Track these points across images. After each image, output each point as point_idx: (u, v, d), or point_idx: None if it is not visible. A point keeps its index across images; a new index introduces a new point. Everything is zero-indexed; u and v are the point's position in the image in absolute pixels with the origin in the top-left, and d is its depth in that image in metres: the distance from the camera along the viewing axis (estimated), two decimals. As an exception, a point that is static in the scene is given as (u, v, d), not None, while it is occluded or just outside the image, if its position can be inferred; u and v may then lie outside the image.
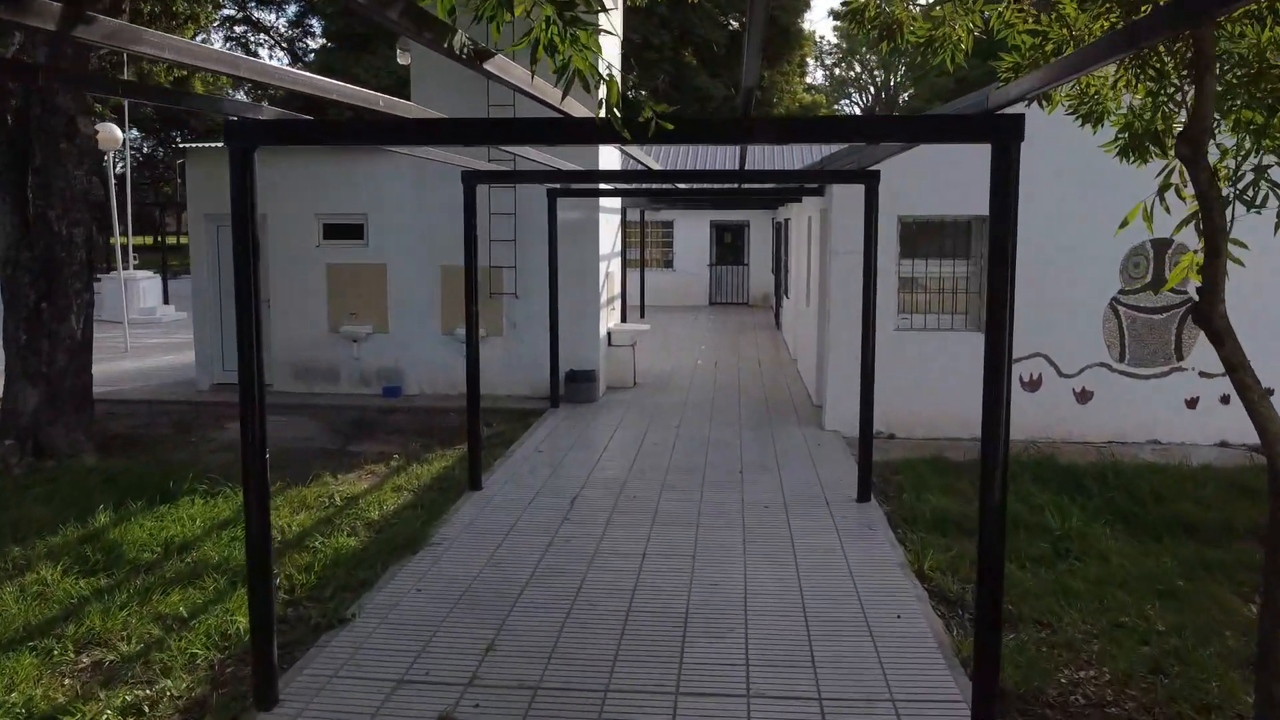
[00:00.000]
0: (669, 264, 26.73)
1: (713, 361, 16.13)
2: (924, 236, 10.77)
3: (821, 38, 75.07)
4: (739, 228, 26.78)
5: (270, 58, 48.28)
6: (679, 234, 26.51)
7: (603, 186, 12.22)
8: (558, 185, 11.75)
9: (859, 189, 10.29)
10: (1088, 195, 10.32)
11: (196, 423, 11.47)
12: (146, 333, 20.49)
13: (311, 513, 7.76)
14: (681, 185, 11.95)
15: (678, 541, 7.00)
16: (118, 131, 16.66)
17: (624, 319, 19.47)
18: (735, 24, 44.38)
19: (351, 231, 13.03)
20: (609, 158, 12.91)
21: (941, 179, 10.39)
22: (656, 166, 8.46)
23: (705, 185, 15.02)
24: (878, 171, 7.73)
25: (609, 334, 13.44)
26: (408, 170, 12.62)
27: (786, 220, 18.43)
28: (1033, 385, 10.68)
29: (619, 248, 15.03)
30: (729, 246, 27.01)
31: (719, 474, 8.91)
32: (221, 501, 7.93)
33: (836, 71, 65.72)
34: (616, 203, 14.63)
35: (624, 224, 19.80)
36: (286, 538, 7.08)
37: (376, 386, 13.04)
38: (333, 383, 13.14)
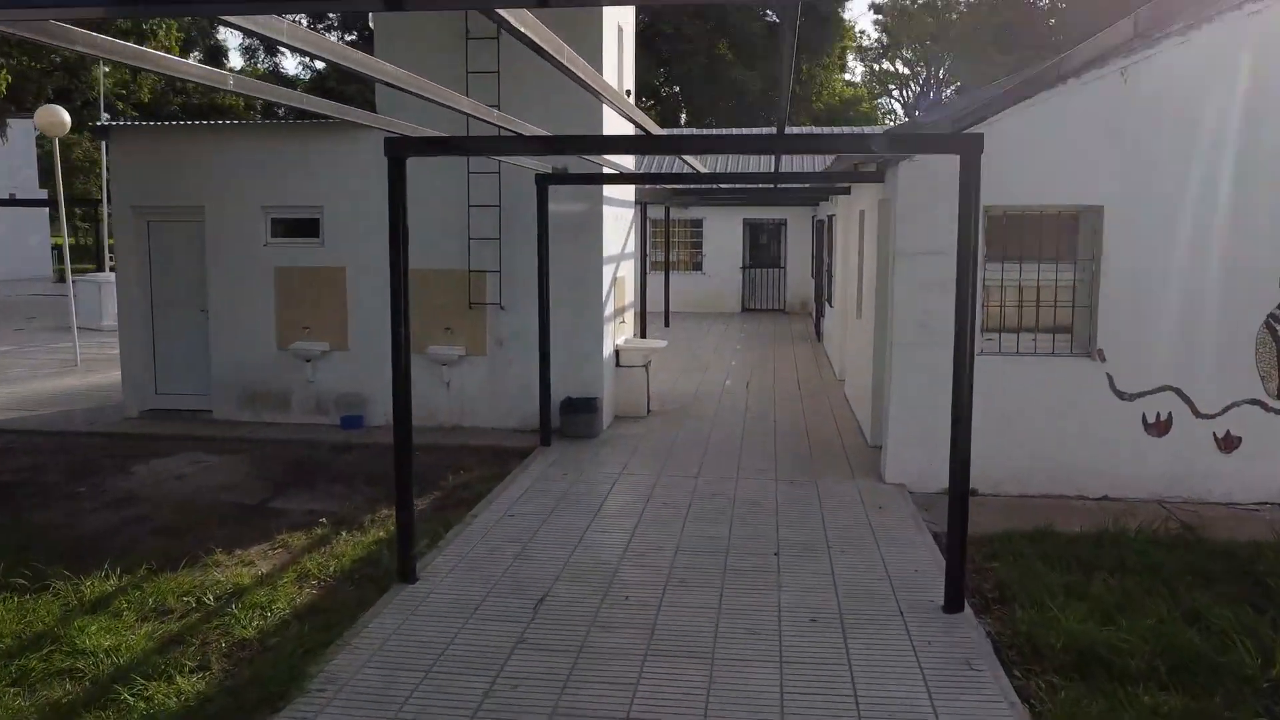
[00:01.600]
0: (698, 266, 24.32)
1: (744, 382, 13.70)
2: (1017, 233, 8.29)
3: (861, 32, 72.07)
4: (775, 227, 24.32)
5: (290, 56, 46.69)
6: (709, 233, 24.09)
7: (606, 172, 9.87)
8: (548, 170, 9.43)
9: (933, 170, 7.86)
10: (1234, 175, 7.82)
11: (100, 463, 9.27)
12: (113, 342, 18.41)
13: (164, 622, 5.47)
14: (702, 168, 9.58)
15: (680, 691, 4.61)
16: (63, 115, 14.59)
17: (643, 331, 17.12)
18: (773, 16, 42.13)
19: (305, 228, 10.78)
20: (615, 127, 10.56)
21: (1042, 158, 7.92)
22: (658, 132, 6.14)
23: (733, 158, 12.60)
24: (980, 136, 5.30)
25: (617, 352, 11.08)
26: (372, 151, 10.34)
27: (830, 217, 15.96)
28: (1160, 428, 8.16)
29: (632, 248, 12.68)
30: (763, 248, 24.55)
31: (747, 557, 6.51)
32: (43, 603, 5.67)
33: (876, 68, 62.84)
34: (629, 195, 12.28)
35: (644, 221, 17.45)
36: (98, 676, 4.79)
37: (335, 415, 10.78)
38: (283, 410, 10.90)
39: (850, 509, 7.63)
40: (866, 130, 25.28)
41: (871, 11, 58.99)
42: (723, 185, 15.07)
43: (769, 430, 10.50)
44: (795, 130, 24.28)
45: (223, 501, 8.04)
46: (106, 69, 41.53)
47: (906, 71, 60.84)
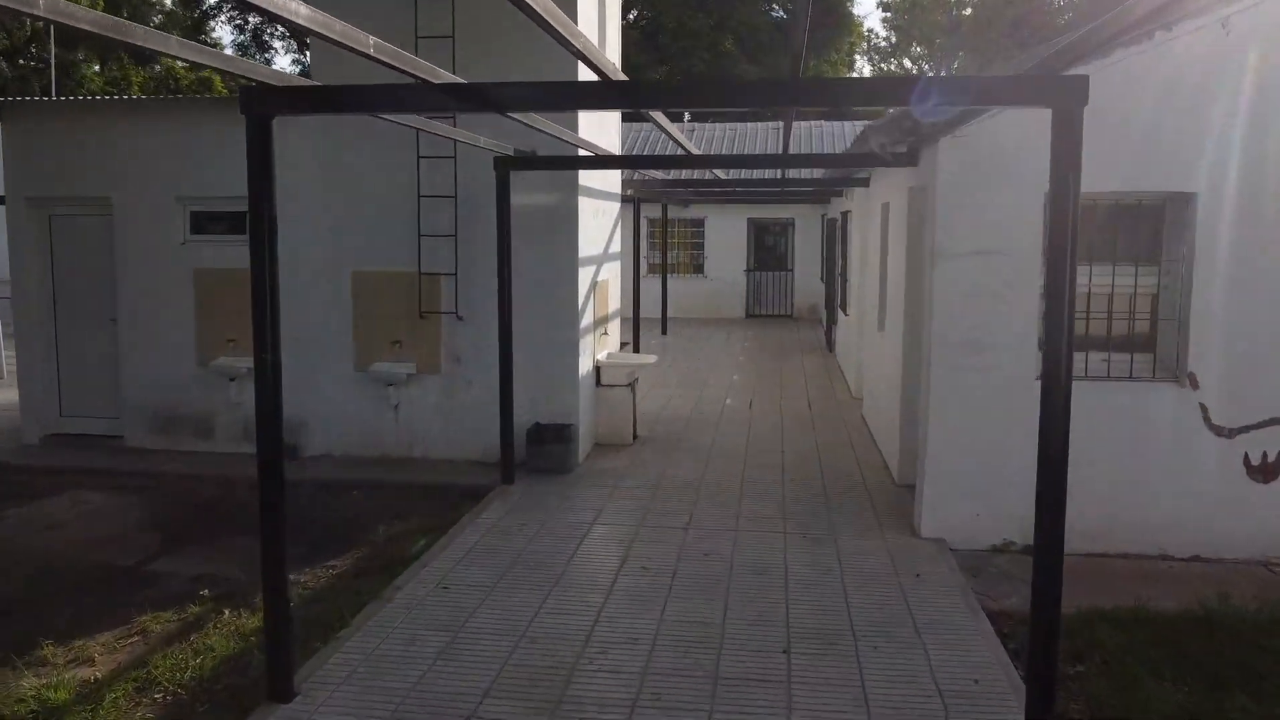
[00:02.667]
0: (699, 269, 22.68)
1: (747, 400, 12.07)
2: (1084, 227, 6.65)
3: (870, 31, 70.29)
4: (782, 227, 22.68)
5: (284, 48, 45.18)
6: (710, 234, 22.44)
7: (582, 154, 8.28)
8: (510, 151, 7.82)
9: (987, 145, 6.26)
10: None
11: (-34, 506, 7.68)
12: (57, 351, 16.81)
13: (-85, 774, 3.87)
14: (693, 148, 7.96)
15: None
16: (-18, 98, 13.02)
17: (637, 341, 15.48)
18: (780, 10, 40.77)
19: (229, 223, 9.18)
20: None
21: (1117, 134, 6.27)
22: (619, 77, 4.53)
23: (733, 143, 10.99)
24: (1084, 79, 3.67)
25: (597, 369, 9.46)
26: (309, 131, 8.77)
27: (845, 214, 14.33)
28: (1267, 471, 6.51)
29: (618, 247, 11.05)
30: (769, 249, 22.91)
31: (748, 657, 4.87)
32: None
33: (884, 67, 61.18)
34: (613, 187, 10.67)
35: (637, 219, 15.86)
36: None
37: (265, 443, 9.17)
38: (205, 438, 9.29)
39: (880, 578, 5.98)
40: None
41: (880, 10, 57.30)
42: (716, 171, 13.41)
43: (776, 463, 8.86)
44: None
45: (90, 562, 6.43)
46: (88, 60, 40.05)
47: (915, 70, 59.07)
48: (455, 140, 7.79)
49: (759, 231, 22.83)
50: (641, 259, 21.68)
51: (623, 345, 15.80)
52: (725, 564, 6.21)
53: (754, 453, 9.25)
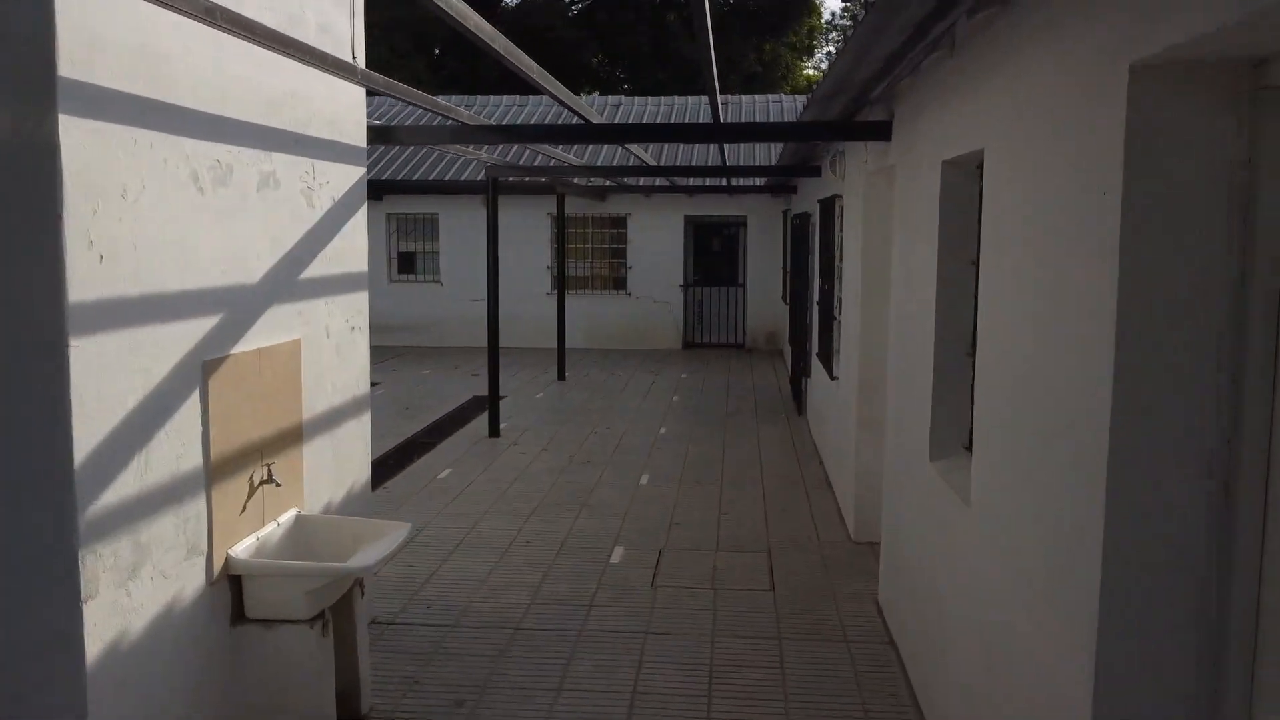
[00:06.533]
0: (620, 285, 16.96)
1: (655, 549, 6.37)
2: None
3: (831, 14, 65.35)
4: (733, 227, 17.12)
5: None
6: (636, 236, 16.74)
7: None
8: None
9: None
10: None
11: None
12: None
13: None
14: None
15: None
16: None
17: (494, 406, 9.70)
18: (729, -12, 35.98)
19: None
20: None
21: None
22: None
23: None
24: None
25: (235, 584, 3.66)
26: None
27: (829, 201, 8.64)
28: None
29: (357, 263, 5.14)
30: (715, 257, 17.33)
31: None
32: None
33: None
34: (333, 125, 4.88)
35: (493, 212, 10.11)
36: None
37: None
38: None
39: None
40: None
41: (841, -4, 52.35)
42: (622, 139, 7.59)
43: None
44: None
45: None
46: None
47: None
48: None
49: (700, 233, 17.22)
50: (540, 270, 16.05)
51: (472, 413, 9.91)
52: None
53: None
